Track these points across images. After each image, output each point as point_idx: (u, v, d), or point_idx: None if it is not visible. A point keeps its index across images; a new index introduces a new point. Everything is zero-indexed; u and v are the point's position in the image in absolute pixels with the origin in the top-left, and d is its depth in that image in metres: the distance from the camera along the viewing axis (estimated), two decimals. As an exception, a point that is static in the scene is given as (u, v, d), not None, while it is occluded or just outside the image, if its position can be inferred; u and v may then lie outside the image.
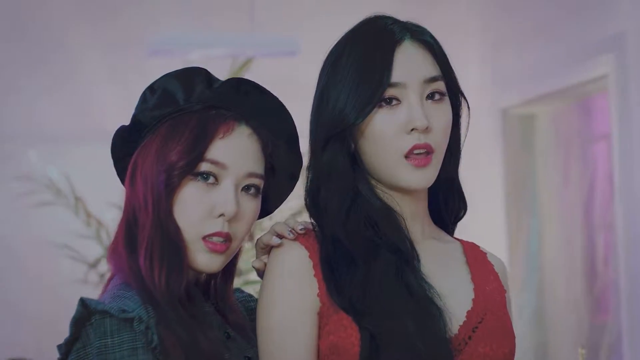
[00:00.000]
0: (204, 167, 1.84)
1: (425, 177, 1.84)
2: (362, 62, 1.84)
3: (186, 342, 1.74)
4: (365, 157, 1.87)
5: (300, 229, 1.85)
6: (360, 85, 1.83)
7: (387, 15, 1.91)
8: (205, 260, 1.84)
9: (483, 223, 4.54)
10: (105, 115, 4.84)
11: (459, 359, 1.78)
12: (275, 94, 1.92)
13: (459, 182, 1.95)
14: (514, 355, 1.85)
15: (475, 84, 5.02)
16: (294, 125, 1.95)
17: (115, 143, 1.94)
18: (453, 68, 1.91)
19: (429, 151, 1.83)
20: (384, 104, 1.83)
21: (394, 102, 1.84)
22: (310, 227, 1.87)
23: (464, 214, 1.98)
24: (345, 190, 1.86)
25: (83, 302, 1.74)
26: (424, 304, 1.79)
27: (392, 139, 1.83)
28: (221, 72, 2.08)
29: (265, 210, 1.96)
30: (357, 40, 1.87)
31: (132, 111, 1.91)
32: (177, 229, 1.83)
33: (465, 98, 1.93)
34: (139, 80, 2.23)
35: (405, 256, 1.83)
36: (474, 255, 1.93)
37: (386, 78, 1.83)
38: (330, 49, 1.89)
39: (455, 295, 1.84)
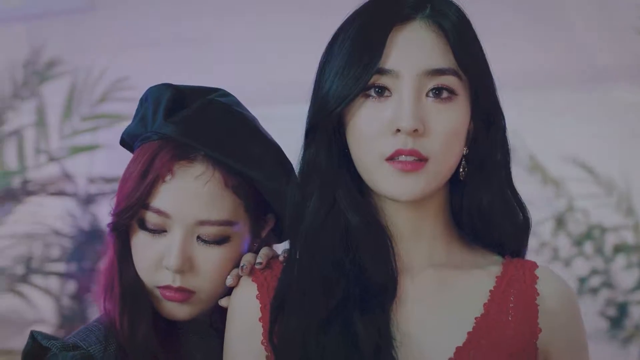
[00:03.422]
0: (147, 216, 1.66)
1: (409, 186, 1.52)
2: (355, 41, 1.54)
3: None
4: (354, 157, 1.57)
5: (258, 262, 1.62)
6: (347, 68, 1.54)
7: None
8: (167, 309, 1.69)
9: None
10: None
11: None
12: None
13: (497, 207, 1.60)
14: None
15: None
16: (277, 150, 1.72)
17: None
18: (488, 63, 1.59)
19: (419, 158, 1.52)
20: (374, 94, 1.53)
21: (386, 93, 1.53)
22: (285, 256, 1.63)
23: (511, 247, 1.64)
24: (324, 197, 1.57)
25: (33, 337, 1.68)
26: (366, 356, 1.51)
27: (373, 139, 1.53)
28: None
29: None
30: (360, 13, 1.57)
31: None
32: (134, 273, 1.70)
33: (497, 106, 1.59)
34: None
35: (371, 292, 1.54)
36: (511, 283, 1.61)
37: (374, 62, 1.52)
38: None
39: (437, 342, 1.56)
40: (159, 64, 4.47)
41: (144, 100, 1.73)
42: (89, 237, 4.30)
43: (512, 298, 1.59)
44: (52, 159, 4.34)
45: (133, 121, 1.74)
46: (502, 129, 1.61)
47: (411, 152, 1.51)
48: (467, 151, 1.58)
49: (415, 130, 1.50)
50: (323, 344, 1.52)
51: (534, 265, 1.63)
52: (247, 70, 4.32)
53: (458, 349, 1.54)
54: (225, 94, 1.74)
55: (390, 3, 1.56)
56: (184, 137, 1.66)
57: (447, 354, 1.54)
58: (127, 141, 1.75)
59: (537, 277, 1.61)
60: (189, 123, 1.67)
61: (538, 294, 1.59)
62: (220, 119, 1.69)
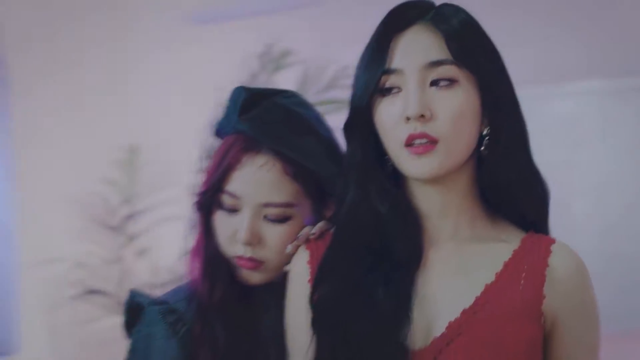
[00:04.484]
0: (224, 198, 1.92)
1: (426, 166, 1.70)
2: (370, 48, 1.75)
3: (214, 339, 1.90)
4: (385, 148, 1.76)
5: (312, 233, 1.84)
6: (364, 72, 1.75)
7: None
8: (243, 275, 1.94)
9: None
10: None
11: None
12: None
13: (514, 180, 1.76)
14: None
15: None
16: (329, 144, 1.94)
17: None
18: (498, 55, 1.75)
19: (431, 140, 1.69)
20: (387, 93, 1.73)
21: (395, 90, 1.72)
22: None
23: (532, 219, 1.79)
24: (358, 187, 1.77)
25: (130, 293, 2.00)
26: (385, 316, 1.69)
27: (392, 129, 1.71)
28: None
29: None
30: (379, 24, 1.77)
31: None
32: (216, 245, 1.95)
33: (506, 90, 1.74)
34: None
35: (397, 264, 1.73)
36: (525, 256, 1.75)
37: (380, 65, 1.72)
38: None
39: (448, 304, 1.72)
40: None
41: (228, 100, 1.99)
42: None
43: (525, 267, 1.74)
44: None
45: (222, 117, 2.01)
46: (513, 109, 1.76)
47: (421, 135, 1.69)
48: (488, 130, 1.74)
49: (422, 116, 1.68)
50: (348, 308, 1.71)
51: (550, 241, 1.77)
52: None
53: (464, 310, 1.70)
54: (291, 95, 1.99)
55: (398, 12, 1.76)
56: (252, 132, 1.92)
57: (455, 315, 1.70)
58: (218, 134, 2.01)
59: (551, 252, 1.75)
60: (257, 121, 1.93)
61: (548, 266, 1.74)
62: (281, 117, 1.93)
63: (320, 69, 4.56)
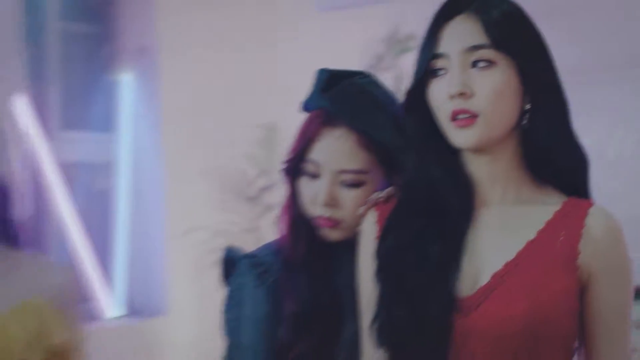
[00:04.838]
0: (306, 165, 2.14)
1: (468, 137, 1.88)
2: (425, 35, 1.92)
3: (297, 288, 2.13)
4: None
5: (380, 196, 2.02)
6: (419, 56, 1.93)
7: None
8: (323, 233, 2.15)
9: None
10: None
11: (469, 319, 1.84)
12: None
13: (554, 148, 1.92)
14: (541, 316, 1.83)
15: None
16: (397, 120, 2.10)
17: None
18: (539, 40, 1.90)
19: (471, 115, 1.87)
20: (437, 74, 1.90)
21: (442, 71, 1.89)
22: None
23: (573, 183, 1.95)
24: (417, 156, 1.95)
25: (226, 249, 2.25)
26: (438, 267, 1.87)
27: (441, 105, 1.89)
28: None
29: None
30: (433, 14, 1.94)
31: None
32: (300, 206, 2.17)
33: (546, 71, 1.90)
34: None
35: (451, 221, 1.91)
36: (565, 217, 1.91)
37: (430, 50, 1.89)
38: None
39: (494, 257, 1.89)
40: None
41: (314, 80, 2.21)
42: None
43: (564, 226, 1.90)
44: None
45: (309, 94, 2.22)
46: (554, 88, 1.93)
47: (462, 110, 1.87)
48: (529, 106, 1.91)
49: (462, 94, 1.87)
50: (406, 260, 1.91)
51: (589, 204, 1.93)
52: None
53: (507, 262, 1.89)
54: (366, 76, 2.22)
55: (448, 3, 1.93)
56: (331, 108, 2.14)
57: (498, 267, 1.89)
58: (305, 109, 2.22)
59: (588, 213, 1.91)
60: (335, 98, 2.15)
61: (584, 226, 1.90)
62: (356, 96, 2.15)
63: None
